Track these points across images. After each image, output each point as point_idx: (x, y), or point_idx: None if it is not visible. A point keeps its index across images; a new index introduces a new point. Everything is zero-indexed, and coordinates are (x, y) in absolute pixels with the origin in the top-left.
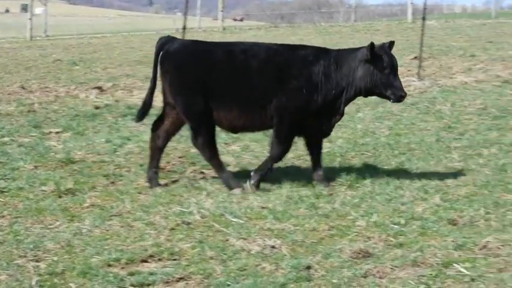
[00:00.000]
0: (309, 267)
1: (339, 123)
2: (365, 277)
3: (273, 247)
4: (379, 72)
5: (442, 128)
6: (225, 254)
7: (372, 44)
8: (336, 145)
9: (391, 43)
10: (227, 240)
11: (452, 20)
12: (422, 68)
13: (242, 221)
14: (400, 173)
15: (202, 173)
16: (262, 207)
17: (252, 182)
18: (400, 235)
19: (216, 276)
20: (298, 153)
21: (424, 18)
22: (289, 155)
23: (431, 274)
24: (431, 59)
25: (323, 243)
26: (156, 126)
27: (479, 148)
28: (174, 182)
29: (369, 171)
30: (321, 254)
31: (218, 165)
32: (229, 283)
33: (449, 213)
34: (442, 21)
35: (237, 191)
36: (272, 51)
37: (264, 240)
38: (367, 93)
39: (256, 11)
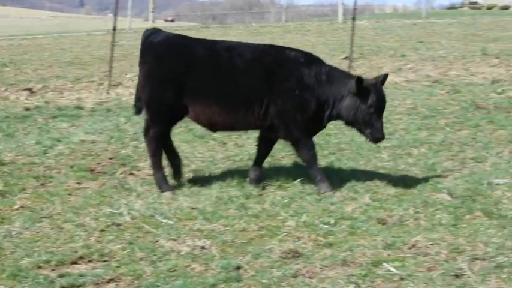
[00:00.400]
0: (238, 268)
1: None
2: (295, 277)
3: (203, 248)
4: (363, 109)
5: None
6: (155, 255)
7: (359, 78)
8: None
9: (385, 76)
10: (157, 241)
11: (383, 20)
12: (353, 68)
13: (172, 222)
14: (330, 173)
15: (133, 174)
16: (192, 208)
17: (322, 191)
18: (330, 235)
19: (146, 278)
20: (227, 154)
21: (354, 19)
22: (219, 155)
23: (360, 273)
24: (361, 59)
25: (253, 244)
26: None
27: (409, 148)
28: (104, 183)
29: (299, 171)
30: (250, 254)
31: (157, 163)
32: (159, 284)
33: (378, 212)
34: (372, 21)
35: (167, 194)
36: (259, 51)
37: (194, 241)
38: (346, 123)
39: (188, 12)
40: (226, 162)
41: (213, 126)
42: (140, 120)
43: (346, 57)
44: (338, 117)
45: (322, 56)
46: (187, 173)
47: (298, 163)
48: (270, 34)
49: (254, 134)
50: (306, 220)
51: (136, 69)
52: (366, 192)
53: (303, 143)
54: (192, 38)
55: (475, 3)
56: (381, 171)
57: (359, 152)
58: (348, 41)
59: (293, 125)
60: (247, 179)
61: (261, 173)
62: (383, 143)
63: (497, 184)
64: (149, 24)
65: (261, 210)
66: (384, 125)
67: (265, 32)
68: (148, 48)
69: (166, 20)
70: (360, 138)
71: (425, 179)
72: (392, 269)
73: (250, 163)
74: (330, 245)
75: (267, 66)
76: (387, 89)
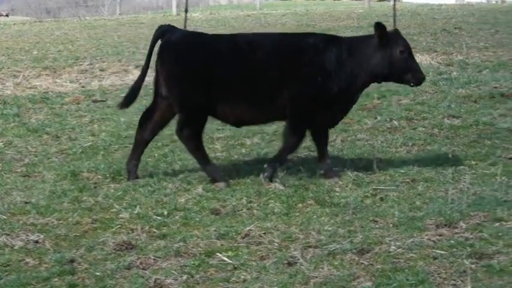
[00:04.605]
0: (72, 261)
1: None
2: (128, 269)
3: (37, 242)
4: (396, 56)
5: None
6: None
7: (380, 24)
8: (100, 138)
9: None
10: None
11: (217, 12)
12: None
13: (5, 217)
14: (164, 165)
15: None
16: (26, 203)
17: (266, 174)
18: (163, 226)
19: None
20: (61, 148)
21: (186, 11)
22: (52, 149)
23: (194, 264)
24: None
25: (86, 237)
26: (144, 118)
27: (242, 138)
28: None
29: None
30: (84, 247)
31: (202, 157)
32: None
33: (212, 203)
34: (206, 13)
35: (221, 184)
36: (279, 40)
37: (28, 236)
38: (384, 79)
39: (22, 6)
40: (60, 155)
41: (240, 123)
42: None
43: None
44: (374, 78)
45: (154, 49)
46: (19, 168)
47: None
48: (103, 27)
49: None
50: (140, 212)
51: None
52: (199, 183)
53: (300, 131)
54: (208, 34)
55: None
56: (214, 161)
57: None
58: None
59: (303, 112)
60: (321, 171)
61: (329, 161)
62: (215, 134)
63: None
64: None
65: (94, 203)
66: None
67: (98, 25)
68: (167, 47)
69: (1, 15)
70: None
71: (258, 169)
72: (225, 258)
73: (84, 156)
74: (163, 236)
75: (288, 55)
76: None
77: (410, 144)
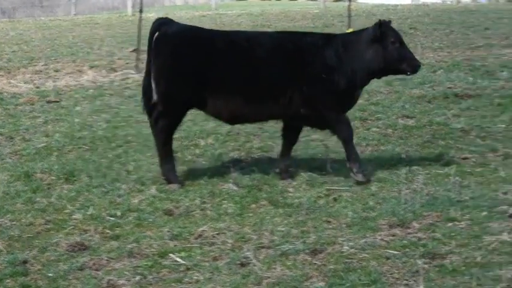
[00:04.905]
0: (25, 262)
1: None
2: (81, 270)
3: None
4: (389, 48)
5: None
6: None
7: (381, 21)
8: (53, 139)
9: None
10: None
11: (173, 12)
12: (141, 60)
13: None
14: (117, 166)
15: None
16: None
17: (356, 171)
18: (117, 227)
19: None
20: (15, 149)
21: (141, 11)
22: (6, 150)
23: (147, 264)
24: None
25: (39, 238)
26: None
27: (196, 138)
28: None
29: (86, 164)
30: (37, 248)
31: (166, 154)
32: None
33: (165, 203)
34: (161, 13)
35: (174, 186)
36: (278, 39)
37: None
38: (381, 73)
39: None
40: (14, 156)
41: (234, 120)
42: None
43: (134, 50)
44: (371, 74)
45: (109, 50)
46: None
47: (86, 157)
48: (58, 28)
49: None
50: (93, 213)
51: None
52: (152, 184)
53: (339, 120)
54: (207, 29)
55: None
56: None
57: (146, 144)
58: (136, 33)
59: (324, 109)
60: (276, 170)
61: (290, 163)
62: None
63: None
64: None
65: (47, 204)
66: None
67: (54, 25)
68: (163, 39)
69: None
70: (146, 130)
71: (212, 170)
72: (178, 259)
73: (37, 157)
74: (116, 237)
75: (288, 54)
76: None
77: (364, 144)
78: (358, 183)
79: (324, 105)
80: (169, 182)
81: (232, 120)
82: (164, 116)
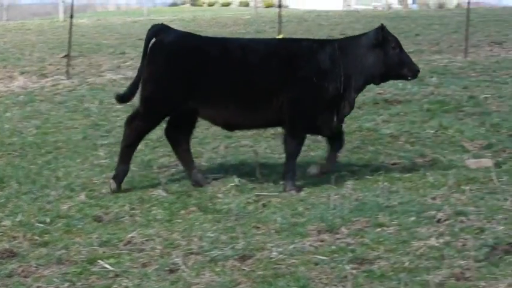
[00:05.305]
0: None
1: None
2: (10, 277)
3: None
4: (389, 53)
5: (90, 125)
6: None
7: (383, 26)
8: None
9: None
10: None
11: (105, 18)
12: (72, 66)
13: None
14: (47, 172)
15: None
16: None
17: (288, 188)
18: (46, 233)
19: None
20: None
21: (72, 17)
22: None
23: (75, 271)
24: (81, 57)
25: None
26: (169, 130)
27: None
28: None
29: (16, 170)
30: None
31: (126, 156)
32: None
33: (94, 210)
34: (94, 19)
35: (113, 188)
36: (272, 46)
37: None
38: (381, 78)
39: None
40: None
41: (231, 127)
42: None
43: (65, 56)
44: (370, 79)
45: (40, 55)
46: None
47: (15, 163)
48: None
49: None
50: (22, 219)
51: None
52: (82, 190)
53: (297, 135)
54: (203, 36)
55: (197, 0)
56: (98, 169)
57: (76, 150)
58: (68, 39)
59: (301, 116)
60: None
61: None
62: (99, 141)
63: (214, 179)
64: None
65: None
66: (102, 122)
67: None
68: (159, 47)
69: None
70: (77, 136)
71: (142, 176)
72: (107, 265)
73: None
74: (45, 243)
75: (282, 61)
76: (105, 86)
77: None
78: (114, 178)
79: (304, 112)
80: (112, 186)
81: (228, 128)
82: (142, 118)
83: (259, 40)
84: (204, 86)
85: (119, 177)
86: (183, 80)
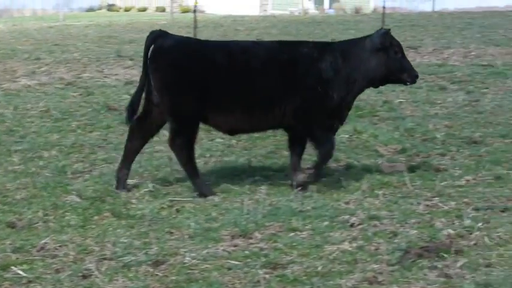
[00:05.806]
0: None
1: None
2: None
3: None
4: (392, 57)
5: (4, 131)
6: None
7: (387, 30)
8: None
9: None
10: None
11: (20, 23)
12: None
13: None
14: None
15: None
16: None
17: (302, 178)
18: None
19: None
20: None
21: None
22: None
23: None
24: None
25: None
26: (135, 126)
27: (40, 150)
28: None
29: None
30: None
31: (192, 170)
32: None
33: (8, 216)
34: (9, 24)
35: (212, 198)
36: (274, 49)
37: None
38: (381, 82)
39: None
40: None
41: (234, 132)
42: None
43: None
44: (370, 82)
45: None
46: None
47: None
48: None
49: None
50: None
51: None
52: None
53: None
54: (202, 40)
55: (113, 5)
56: (11, 174)
57: None
58: None
59: (314, 122)
60: (291, 182)
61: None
62: (13, 147)
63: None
64: None
65: None
66: (16, 128)
67: None
68: (159, 53)
69: None
70: None
71: (56, 182)
72: (20, 272)
73: None
74: None
75: (284, 64)
76: (20, 92)
77: (208, 155)
78: (203, 196)
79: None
80: (204, 195)
81: (231, 133)
82: (179, 133)
83: (261, 43)
84: (210, 90)
85: (204, 190)
86: (191, 82)
